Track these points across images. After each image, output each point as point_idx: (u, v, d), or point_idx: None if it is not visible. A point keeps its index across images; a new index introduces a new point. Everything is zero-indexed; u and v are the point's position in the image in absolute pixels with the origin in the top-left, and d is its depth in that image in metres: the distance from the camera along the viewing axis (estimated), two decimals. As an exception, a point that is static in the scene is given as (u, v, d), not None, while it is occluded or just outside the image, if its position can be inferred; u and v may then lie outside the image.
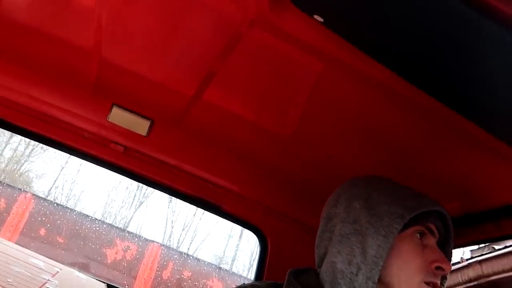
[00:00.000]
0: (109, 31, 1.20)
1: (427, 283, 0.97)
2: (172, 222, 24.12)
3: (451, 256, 1.10)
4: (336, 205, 1.07)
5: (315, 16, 0.87)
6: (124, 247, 12.31)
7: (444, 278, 1.05)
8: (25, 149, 23.19)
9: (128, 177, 1.71)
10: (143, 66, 1.33)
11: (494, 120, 0.91)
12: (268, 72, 1.15)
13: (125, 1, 1.10)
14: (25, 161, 23.31)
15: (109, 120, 1.54)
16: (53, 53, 1.40)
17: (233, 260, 23.94)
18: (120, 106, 1.53)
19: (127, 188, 24.59)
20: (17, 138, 22.23)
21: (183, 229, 24.03)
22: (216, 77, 1.23)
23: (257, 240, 1.73)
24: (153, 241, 12.92)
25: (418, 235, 1.01)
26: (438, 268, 0.98)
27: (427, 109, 0.98)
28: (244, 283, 1.11)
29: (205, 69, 1.21)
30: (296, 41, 0.99)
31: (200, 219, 24.22)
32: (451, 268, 1.00)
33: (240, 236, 24.46)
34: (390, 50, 0.87)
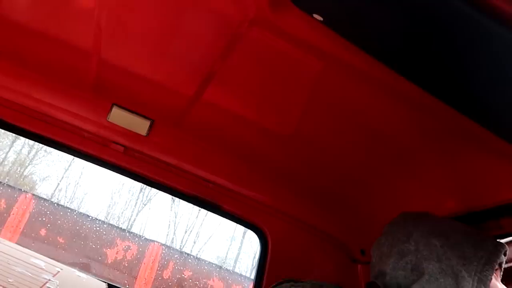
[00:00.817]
0: (108, 31, 1.20)
1: None
2: (174, 224, 24.14)
3: None
4: (409, 241, 1.03)
5: (315, 15, 0.87)
6: (125, 246, 12.31)
7: None
8: (28, 152, 23.22)
9: (128, 177, 1.71)
10: (143, 66, 1.33)
11: (495, 118, 0.91)
12: (268, 72, 1.15)
13: (125, 2, 1.10)
14: (29, 164, 23.34)
15: (109, 120, 1.54)
16: (53, 54, 1.40)
17: (235, 262, 23.95)
18: (120, 106, 1.53)
19: (130, 190, 24.62)
20: (21, 141, 22.29)
21: (186, 231, 24.05)
22: (216, 77, 1.23)
23: (258, 239, 1.73)
24: (153, 241, 12.92)
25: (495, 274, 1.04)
26: None
27: (427, 107, 0.98)
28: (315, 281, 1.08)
29: (205, 69, 1.21)
30: (296, 40, 0.99)
31: (203, 221, 24.25)
32: None
33: (243, 238, 24.49)
34: (390, 48, 0.87)
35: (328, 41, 0.94)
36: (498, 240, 1.06)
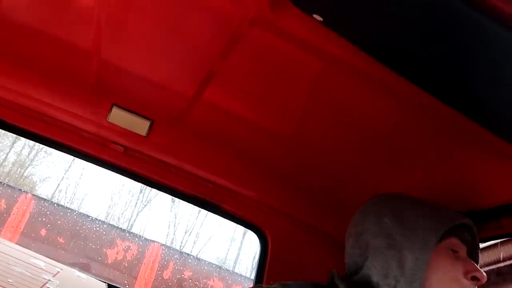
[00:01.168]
0: (108, 31, 1.20)
1: None
2: (174, 225, 24.16)
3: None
4: (364, 222, 1.08)
5: (315, 16, 0.87)
6: (125, 247, 12.32)
7: None
8: (29, 153, 23.26)
9: (128, 177, 1.71)
10: (143, 66, 1.33)
11: (494, 118, 0.91)
12: (267, 72, 1.15)
13: (125, 2, 1.10)
14: (29, 165, 23.37)
15: (109, 120, 1.54)
16: (53, 54, 1.40)
17: (235, 263, 23.97)
18: (120, 107, 1.53)
19: (130, 191, 24.66)
20: (21, 142, 22.33)
21: (186, 232, 24.07)
22: (216, 77, 1.23)
23: (258, 239, 1.73)
24: (153, 241, 12.93)
25: (451, 249, 1.04)
26: (474, 278, 1.01)
27: (428, 107, 0.98)
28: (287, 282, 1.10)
29: (205, 69, 1.21)
30: (296, 40, 0.99)
31: (203, 222, 24.28)
32: (486, 277, 1.02)
33: (242, 239, 24.51)
34: (390, 49, 0.87)
35: (328, 42, 0.94)
36: (459, 213, 1.08)
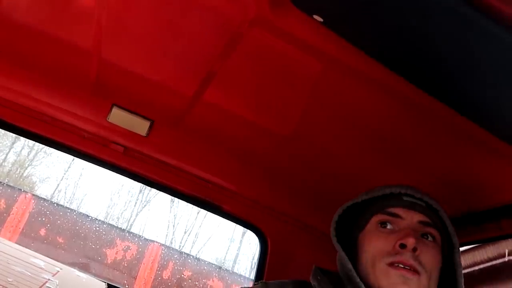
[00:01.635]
0: (109, 31, 1.20)
1: (391, 264, 0.96)
2: (174, 225, 24.18)
3: (453, 239, 1.03)
4: None
5: (315, 16, 0.87)
6: (124, 247, 12.31)
7: (454, 251, 1.02)
8: (28, 154, 23.27)
9: (128, 178, 1.71)
10: (143, 66, 1.33)
11: (494, 119, 0.91)
12: (268, 72, 1.15)
13: (125, 2, 1.09)
14: (29, 165, 23.38)
15: (109, 120, 1.54)
16: (53, 54, 1.40)
17: (234, 263, 23.98)
18: (120, 107, 1.53)
19: (129, 191, 24.69)
20: (21, 142, 22.35)
21: (185, 232, 24.09)
22: (216, 77, 1.23)
23: (258, 240, 1.73)
24: (153, 241, 12.92)
25: (379, 224, 1.02)
26: (402, 246, 0.96)
27: (427, 108, 0.98)
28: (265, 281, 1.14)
29: (205, 69, 1.21)
30: (296, 41, 0.99)
31: (202, 222, 24.31)
32: (413, 241, 0.95)
33: (241, 240, 24.53)
34: (390, 49, 0.87)
35: (328, 42, 0.94)
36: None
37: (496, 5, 0.67)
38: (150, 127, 1.56)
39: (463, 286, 1.02)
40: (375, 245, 1.00)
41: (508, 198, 1.10)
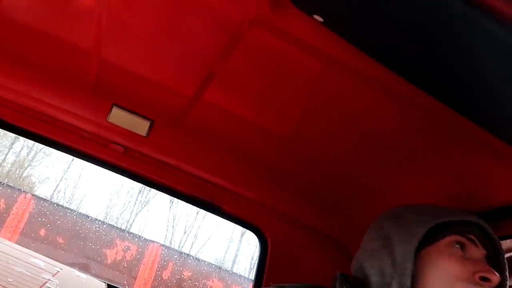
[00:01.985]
0: (109, 31, 1.20)
1: None
2: (173, 226, 24.22)
3: (505, 275, 1.02)
4: (370, 229, 1.11)
5: (315, 16, 0.87)
6: (124, 247, 12.31)
7: None
8: (28, 154, 23.30)
9: (128, 178, 1.70)
10: (143, 66, 1.33)
11: (494, 119, 0.91)
12: (268, 72, 1.15)
13: (125, 2, 1.09)
14: (28, 165, 23.41)
15: (109, 120, 1.54)
16: (53, 54, 1.40)
17: (233, 264, 24.00)
18: (120, 107, 1.53)
19: (129, 192, 24.72)
20: (20, 143, 22.38)
21: (184, 233, 24.13)
22: (216, 77, 1.23)
23: (257, 240, 1.72)
24: (153, 241, 12.92)
25: (457, 245, 0.99)
26: (483, 279, 0.94)
27: (427, 109, 0.98)
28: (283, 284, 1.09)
29: (205, 69, 1.21)
30: (296, 41, 0.99)
31: (201, 223, 24.34)
32: (498, 279, 0.94)
33: (240, 240, 24.56)
34: (390, 50, 0.87)
35: (328, 42, 0.94)
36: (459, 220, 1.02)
37: (497, 6, 0.67)
38: (150, 127, 1.56)
39: None
40: (452, 266, 0.96)
41: (507, 199, 1.10)
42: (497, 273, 0.95)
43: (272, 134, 1.40)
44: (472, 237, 1.00)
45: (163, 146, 1.62)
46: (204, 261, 13.85)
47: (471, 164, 1.11)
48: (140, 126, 1.55)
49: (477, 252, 1.00)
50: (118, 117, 1.53)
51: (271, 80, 1.17)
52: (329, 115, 1.22)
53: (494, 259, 1.03)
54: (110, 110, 1.53)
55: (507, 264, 1.03)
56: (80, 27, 1.23)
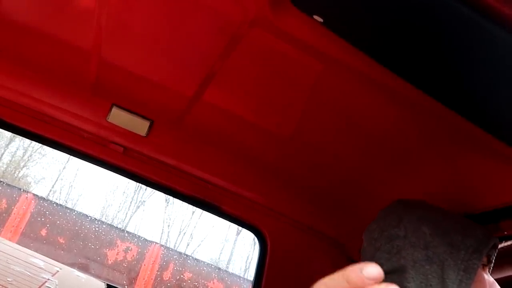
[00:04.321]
0: (109, 31, 1.20)
1: None
2: (168, 226, 24.27)
3: None
4: (399, 226, 1.01)
5: (315, 17, 0.87)
6: (125, 248, 12.31)
7: None
8: (23, 154, 23.34)
9: (128, 178, 1.70)
10: (143, 66, 1.33)
11: (494, 120, 0.91)
12: (268, 73, 1.15)
13: (125, 2, 1.09)
14: (24, 166, 23.45)
15: (108, 120, 1.54)
16: (53, 54, 1.40)
17: (228, 263, 24.02)
18: (119, 107, 1.53)
19: (124, 192, 24.77)
20: (16, 143, 22.44)
21: (180, 233, 24.18)
22: (216, 78, 1.23)
23: (257, 241, 1.72)
24: (153, 242, 12.93)
25: (481, 266, 1.00)
26: None
27: (427, 109, 0.98)
28: None
29: (205, 69, 1.21)
30: (296, 41, 0.99)
31: (197, 223, 24.41)
32: None
33: (236, 240, 24.62)
34: (390, 50, 0.87)
35: (328, 43, 0.94)
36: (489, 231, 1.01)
37: (497, 6, 0.67)
38: (150, 127, 1.56)
39: None
40: None
41: (507, 199, 1.10)
42: None
43: (272, 134, 1.40)
44: (491, 257, 1.03)
45: (162, 146, 1.62)
46: (204, 262, 13.85)
47: (471, 165, 1.10)
48: (140, 126, 1.55)
49: (488, 268, 1.03)
50: (118, 117, 1.54)
51: (271, 81, 1.17)
52: (329, 116, 1.22)
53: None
54: (110, 110, 1.53)
55: None
56: (80, 27, 1.23)
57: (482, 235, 0.98)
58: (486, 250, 0.95)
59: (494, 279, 1.01)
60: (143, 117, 1.55)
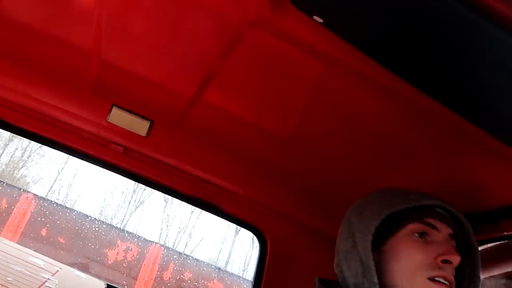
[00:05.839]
0: (109, 31, 1.20)
1: (432, 279, 0.94)
2: (167, 226, 24.31)
3: (474, 254, 1.02)
4: (342, 225, 1.09)
5: (315, 17, 0.87)
6: (125, 247, 12.32)
7: (473, 271, 1.01)
8: (22, 155, 23.36)
9: (128, 178, 1.70)
10: (143, 67, 1.33)
11: (493, 121, 0.91)
12: (268, 73, 1.15)
13: (125, 2, 1.10)
14: (22, 166, 23.48)
15: (108, 120, 1.54)
16: (53, 54, 1.40)
17: (226, 263, 24.05)
18: (119, 107, 1.53)
19: (123, 192, 24.81)
20: (14, 143, 22.46)
21: (178, 233, 24.21)
22: (216, 78, 1.23)
23: (257, 241, 1.72)
24: (154, 242, 12.93)
25: (417, 234, 0.99)
26: (445, 261, 0.95)
27: (427, 110, 0.98)
28: None
29: (205, 70, 1.21)
30: (296, 42, 0.99)
31: (195, 223, 24.45)
32: (459, 259, 0.95)
33: (234, 240, 24.65)
34: (390, 51, 0.87)
35: (328, 43, 0.94)
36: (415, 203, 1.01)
37: (497, 6, 0.67)
38: (150, 127, 1.56)
39: None
40: (414, 256, 0.97)
41: (506, 200, 1.10)
42: (457, 254, 0.95)
43: (272, 134, 1.40)
44: (431, 221, 1.00)
45: (163, 146, 1.62)
46: (204, 262, 13.85)
47: (471, 165, 1.11)
48: (140, 126, 1.55)
49: (440, 234, 0.99)
50: (118, 117, 1.54)
51: (271, 81, 1.17)
52: (329, 116, 1.22)
53: (463, 237, 1.03)
54: (110, 110, 1.53)
55: (472, 234, 1.02)
56: (80, 27, 1.23)
57: (397, 200, 1.02)
58: (388, 211, 0.99)
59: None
60: (143, 117, 1.55)
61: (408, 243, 0.98)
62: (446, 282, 0.94)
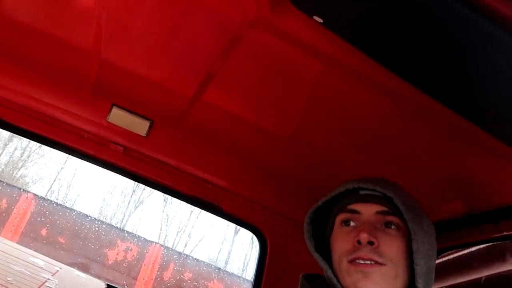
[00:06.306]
0: (108, 31, 1.20)
1: (351, 262, 0.95)
2: (166, 225, 24.34)
3: (409, 225, 0.96)
4: None
5: (315, 17, 0.87)
6: (125, 247, 12.31)
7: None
8: (21, 155, 23.39)
9: (128, 178, 1.71)
10: (143, 67, 1.33)
11: (493, 121, 0.91)
12: (268, 73, 1.15)
13: (125, 2, 1.10)
14: (22, 166, 23.50)
15: (108, 120, 1.54)
16: (53, 54, 1.40)
17: (226, 263, 24.07)
18: (119, 107, 1.53)
19: (122, 192, 24.83)
20: (13, 143, 22.48)
21: (178, 232, 24.23)
22: (216, 78, 1.23)
23: (255, 240, 1.73)
24: (154, 242, 12.93)
25: (342, 223, 1.02)
26: (358, 242, 0.95)
27: (427, 110, 0.98)
28: None
29: (205, 70, 1.21)
30: (296, 41, 0.99)
31: (194, 223, 24.48)
32: (365, 236, 0.94)
33: (233, 239, 24.67)
34: (389, 50, 0.87)
35: (328, 43, 0.94)
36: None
37: (496, 6, 0.67)
38: (150, 127, 1.56)
39: (425, 276, 0.96)
40: (339, 245, 1.00)
41: (506, 200, 1.10)
42: (365, 232, 0.94)
43: (272, 134, 1.40)
44: (353, 206, 1.01)
45: (162, 146, 1.62)
46: (204, 262, 13.85)
47: (470, 165, 1.11)
48: (140, 126, 1.55)
49: (365, 216, 0.99)
50: (118, 117, 1.54)
51: (271, 81, 1.17)
52: (329, 116, 1.22)
53: (393, 207, 0.99)
54: (110, 110, 1.53)
55: (403, 204, 0.98)
56: (80, 27, 1.23)
57: (327, 195, 1.08)
58: (313, 209, 1.08)
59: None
60: (143, 117, 1.55)
61: (337, 234, 1.02)
62: (367, 262, 0.94)
